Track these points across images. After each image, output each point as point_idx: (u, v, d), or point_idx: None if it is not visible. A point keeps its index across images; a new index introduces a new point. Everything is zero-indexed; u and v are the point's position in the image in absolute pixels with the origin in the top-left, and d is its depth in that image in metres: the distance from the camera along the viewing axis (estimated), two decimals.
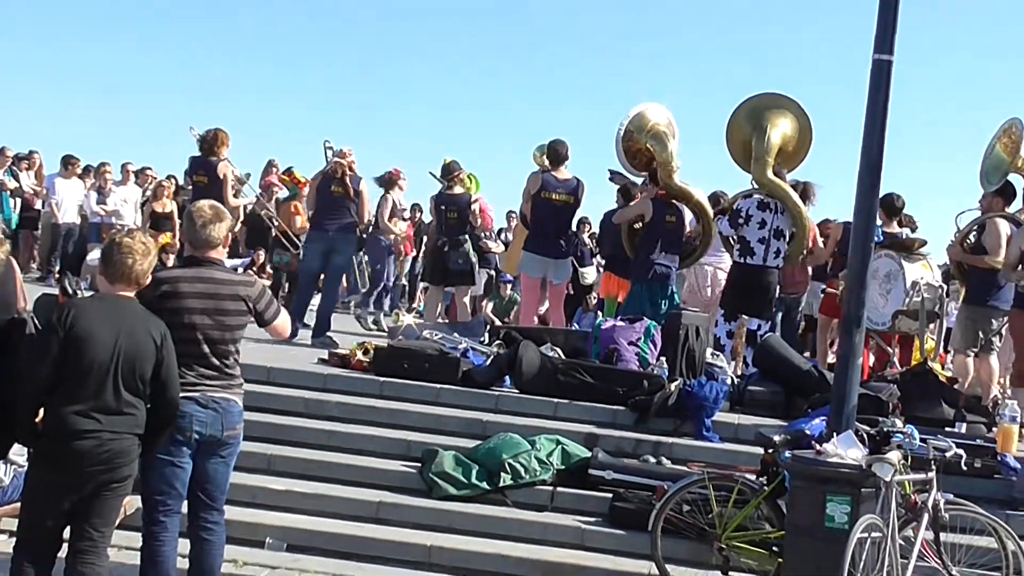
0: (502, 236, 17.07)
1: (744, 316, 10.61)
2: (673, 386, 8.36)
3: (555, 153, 11.09)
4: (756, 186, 10.38)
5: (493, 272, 16.08)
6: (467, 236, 12.14)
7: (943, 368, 9.42)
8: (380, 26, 36.56)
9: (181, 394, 5.04)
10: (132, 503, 6.01)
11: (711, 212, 10.78)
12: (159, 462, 5.13)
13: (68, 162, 16.42)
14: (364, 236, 14.11)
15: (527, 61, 37.37)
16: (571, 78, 36.76)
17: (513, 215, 15.97)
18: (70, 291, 6.97)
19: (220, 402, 5.23)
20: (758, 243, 10.12)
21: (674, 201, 10.63)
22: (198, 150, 11.27)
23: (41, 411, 4.80)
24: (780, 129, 10.34)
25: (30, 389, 4.75)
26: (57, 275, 15.22)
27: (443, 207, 12.21)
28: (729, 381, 9.09)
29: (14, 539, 4.96)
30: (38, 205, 16.71)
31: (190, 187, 13.45)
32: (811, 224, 10.69)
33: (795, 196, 10.25)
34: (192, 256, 5.33)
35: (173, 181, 16.68)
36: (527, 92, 36.52)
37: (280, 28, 36.45)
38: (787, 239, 10.21)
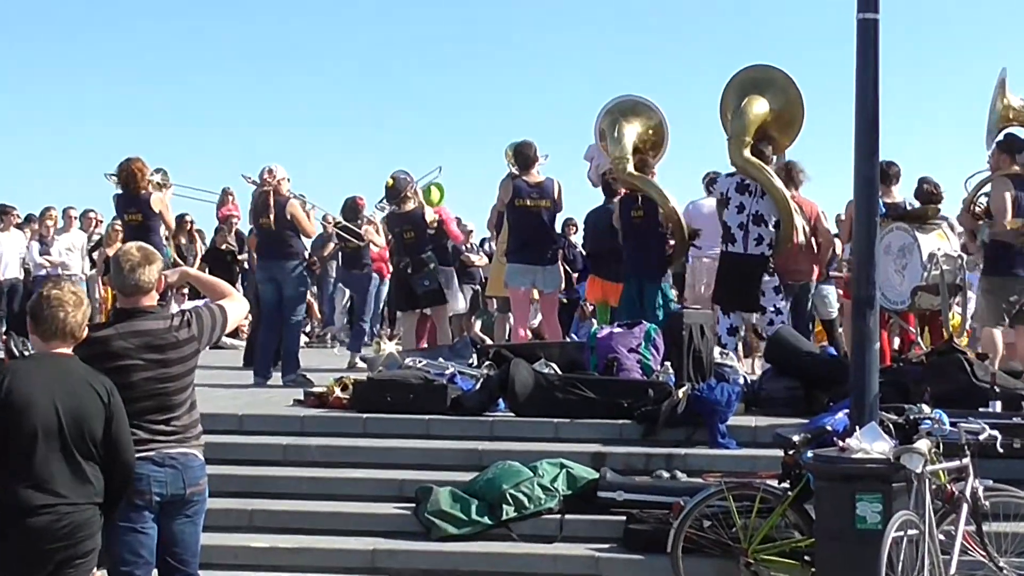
0: (486, 247, 17.07)
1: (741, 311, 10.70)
2: (681, 392, 8.37)
3: (523, 157, 11.26)
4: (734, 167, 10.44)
5: (478, 287, 16.07)
6: (430, 253, 12.14)
7: (971, 344, 9.43)
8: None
9: (135, 455, 5.02)
10: None
11: (672, 203, 10.86)
12: (121, 530, 5.09)
13: (4, 212, 16.34)
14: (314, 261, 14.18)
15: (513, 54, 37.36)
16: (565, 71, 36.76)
17: None
18: (16, 352, 6.98)
19: (178, 458, 5.20)
20: (737, 228, 10.18)
21: (642, 195, 10.80)
22: (120, 187, 11.40)
23: None
24: (760, 105, 10.38)
25: None
26: (3, 336, 15.18)
27: (397, 228, 12.27)
28: (742, 381, 9.12)
29: None
30: None
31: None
32: (810, 206, 10.70)
33: (775, 178, 10.27)
34: (122, 309, 5.29)
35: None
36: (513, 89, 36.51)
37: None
38: (770, 225, 10.21)
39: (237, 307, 5.63)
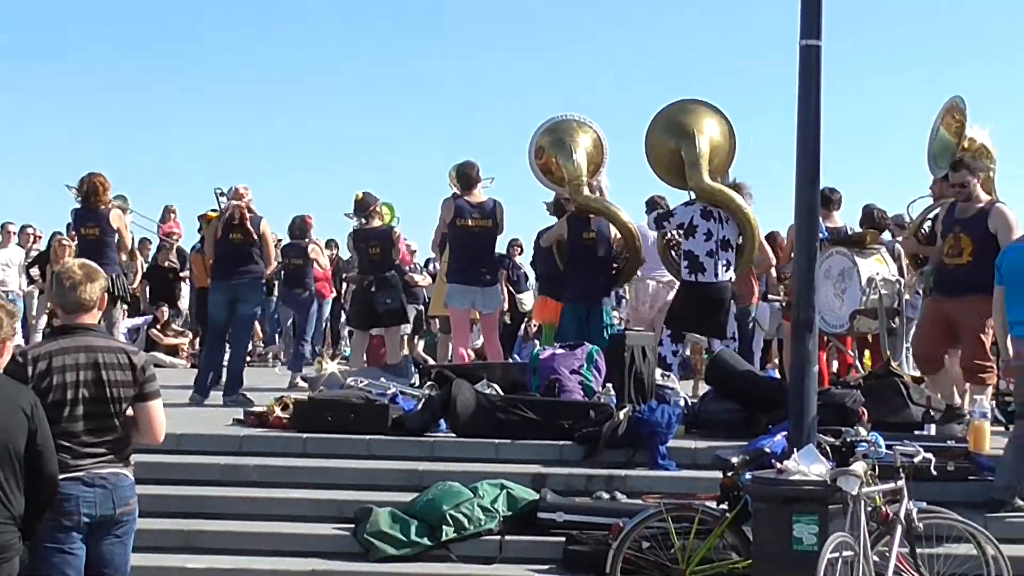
0: (430, 267, 17.08)
1: (697, 336, 10.73)
2: (622, 414, 8.41)
3: (465, 177, 11.22)
4: (695, 195, 10.48)
5: (422, 307, 16.08)
6: (394, 272, 12.14)
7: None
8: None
9: (64, 475, 4.94)
10: None
11: (633, 227, 10.92)
12: (48, 551, 5.01)
13: None
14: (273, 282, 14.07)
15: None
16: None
17: None
18: None
19: (108, 478, 5.15)
20: (707, 257, 10.18)
21: (592, 217, 10.84)
22: (80, 201, 11.27)
23: None
24: (707, 133, 10.47)
25: None
26: None
27: (363, 244, 12.25)
28: (682, 403, 9.18)
29: None
30: None
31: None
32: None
33: (740, 199, 10.38)
34: (64, 325, 5.25)
35: (70, 239, 16.47)
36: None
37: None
38: (735, 249, 10.33)
39: (162, 415, 5.49)
